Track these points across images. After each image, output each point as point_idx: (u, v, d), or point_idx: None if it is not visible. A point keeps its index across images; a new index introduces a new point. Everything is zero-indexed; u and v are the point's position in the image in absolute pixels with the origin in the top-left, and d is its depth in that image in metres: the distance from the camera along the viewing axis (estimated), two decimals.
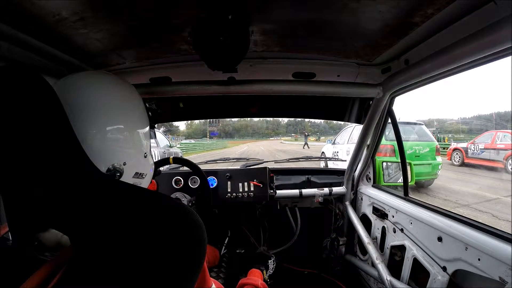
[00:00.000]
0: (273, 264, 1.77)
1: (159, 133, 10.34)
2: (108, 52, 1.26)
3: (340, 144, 9.67)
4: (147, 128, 0.84)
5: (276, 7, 0.95)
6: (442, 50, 1.06)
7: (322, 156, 10.40)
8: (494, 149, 10.66)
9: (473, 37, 0.91)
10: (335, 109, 2.02)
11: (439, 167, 7.73)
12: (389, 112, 1.91)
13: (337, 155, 9.11)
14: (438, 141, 8.71)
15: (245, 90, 1.61)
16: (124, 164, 0.73)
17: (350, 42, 1.24)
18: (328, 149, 10.55)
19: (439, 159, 7.78)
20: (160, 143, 9.43)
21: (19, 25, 0.92)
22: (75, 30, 1.01)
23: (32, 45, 1.03)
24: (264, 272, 1.62)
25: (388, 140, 6.52)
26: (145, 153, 0.82)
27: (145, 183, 0.85)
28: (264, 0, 0.91)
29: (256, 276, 1.49)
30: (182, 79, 1.57)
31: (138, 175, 0.80)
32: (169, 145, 10.64)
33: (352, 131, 8.97)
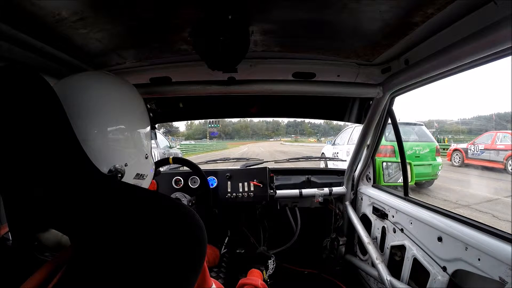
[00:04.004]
0: (273, 264, 1.77)
1: (159, 134, 10.39)
2: (108, 52, 1.26)
3: (340, 145, 9.70)
4: (148, 128, 0.84)
5: (276, 7, 0.95)
6: (442, 50, 1.07)
7: (322, 157, 10.41)
8: (494, 149, 10.66)
9: (473, 37, 0.91)
10: (335, 109, 2.02)
11: (439, 168, 7.72)
12: (389, 112, 1.91)
13: (337, 156, 9.11)
14: (438, 142, 8.70)
15: (245, 90, 1.61)
16: (126, 165, 0.73)
17: (350, 42, 1.24)
18: (328, 150, 10.57)
19: (439, 159, 7.78)
20: (160, 144, 9.50)
21: (19, 25, 0.92)
22: (75, 30, 1.01)
23: (32, 45, 1.03)
24: (264, 272, 1.61)
25: (388, 140, 6.52)
26: (146, 154, 0.82)
27: (145, 183, 0.85)
28: (264, 0, 0.91)
29: (256, 276, 1.50)
30: (182, 79, 1.57)
31: (139, 176, 0.80)
32: (169, 146, 10.67)
33: (352, 132, 8.99)
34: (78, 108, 0.65)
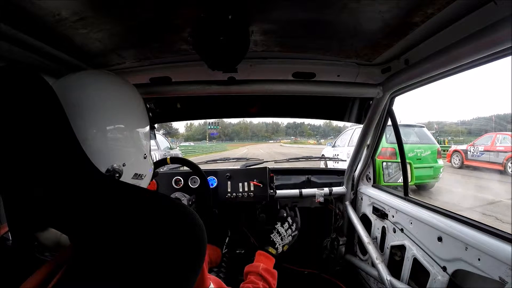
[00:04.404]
0: (282, 234, 1.52)
1: (159, 135, 10.43)
2: (108, 52, 1.26)
3: (341, 147, 9.66)
4: (147, 128, 0.84)
5: (276, 7, 0.95)
6: (442, 50, 1.07)
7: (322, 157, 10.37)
8: (494, 151, 10.67)
9: (473, 37, 0.91)
10: (335, 109, 2.02)
11: (441, 170, 7.70)
12: (389, 112, 1.91)
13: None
14: (438, 143, 8.68)
15: (245, 90, 1.61)
16: (124, 165, 0.73)
17: (350, 42, 1.24)
18: (328, 152, 10.53)
19: (440, 162, 7.76)
20: (161, 145, 9.57)
21: (19, 25, 0.92)
22: (75, 30, 1.00)
23: (32, 45, 1.03)
24: (272, 249, 1.42)
25: (389, 142, 6.50)
26: (145, 154, 0.82)
27: (144, 184, 0.85)
28: (264, 0, 0.91)
29: (260, 261, 1.36)
30: (182, 79, 1.57)
31: (137, 176, 0.80)
32: (169, 147, 10.71)
33: (352, 134, 8.96)
34: (77, 107, 0.65)
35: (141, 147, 0.80)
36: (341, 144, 9.89)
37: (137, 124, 0.78)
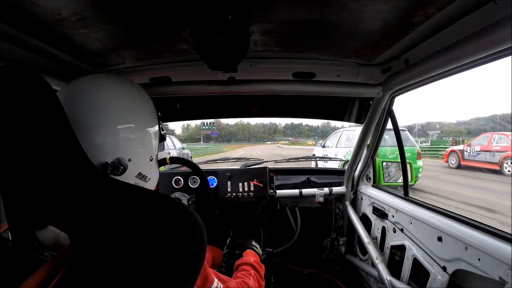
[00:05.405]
0: (258, 242, 1.67)
1: (173, 137, 11.65)
2: (108, 52, 1.26)
3: (330, 148, 10.04)
4: (156, 128, 0.84)
5: (276, 7, 0.96)
6: (442, 50, 1.07)
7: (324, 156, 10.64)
8: (490, 151, 10.73)
9: (473, 37, 0.92)
10: (335, 109, 2.02)
11: (420, 170, 8.13)
12: (389, 112, 1.91)
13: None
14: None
15: (245, 90, 1.61)
16: (129, 160, 0.73)
17: (350, 42, 1.24)
18: (318, 152, 10.80)
19: (420, 163, 8.18)
20: (176, 145, 10.83)
21: (19, 25, 0.92)
22: (75, 30, 1.01)
23: (32, 45, 1.03)
24: (256, 247, 1.58)
25: None
26: (151, 156, 0.82)
27: (148, 186, 0.84)
28: (264, 0, 0.91)
29: (249, 256, 1.46)
30: (182, 79, 1.57)
31: (141, 176, 0.79)
32: (182, 147, 11.81)
33: (340, 136, 9.41)
34: (88, 109, 0.67)
35: (149, 148, 0.81)
36: (330, 145, 10.23)
37: (145, 123, 0.80)
